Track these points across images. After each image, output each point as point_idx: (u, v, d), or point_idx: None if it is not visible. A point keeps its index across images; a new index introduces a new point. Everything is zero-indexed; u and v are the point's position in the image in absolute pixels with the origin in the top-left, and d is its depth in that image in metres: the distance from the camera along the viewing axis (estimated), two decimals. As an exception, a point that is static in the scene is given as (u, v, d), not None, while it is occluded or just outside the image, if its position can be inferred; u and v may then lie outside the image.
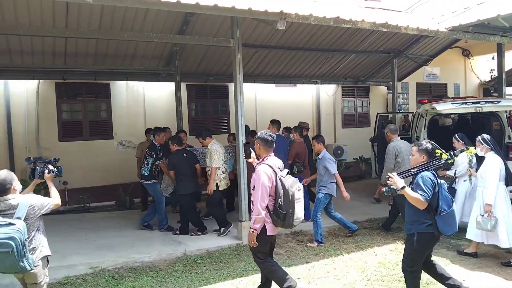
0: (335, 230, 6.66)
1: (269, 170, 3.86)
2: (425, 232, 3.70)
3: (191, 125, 10.52)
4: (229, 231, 6.43)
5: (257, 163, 4.02)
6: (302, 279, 4.82)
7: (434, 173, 3.74)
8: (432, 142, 3.94)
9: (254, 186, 3.90)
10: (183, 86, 9.75)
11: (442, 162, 3.76)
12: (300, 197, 3.86)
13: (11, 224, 3.19)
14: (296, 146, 7.12)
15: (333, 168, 6.09)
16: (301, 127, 7.63)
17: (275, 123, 7.23)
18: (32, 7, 6.40)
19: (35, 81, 8.98)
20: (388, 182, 3.73)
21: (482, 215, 4.90)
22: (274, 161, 3.99)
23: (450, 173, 5.94)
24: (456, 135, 5.97)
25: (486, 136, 5.18)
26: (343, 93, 13.05)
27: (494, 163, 4.97)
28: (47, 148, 9.01)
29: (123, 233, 6.51)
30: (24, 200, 3.34)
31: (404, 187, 3.64)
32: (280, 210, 3.78)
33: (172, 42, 8.28)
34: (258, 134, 4.10)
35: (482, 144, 5.13)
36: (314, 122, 12.22)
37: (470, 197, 5.69)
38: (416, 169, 3.77)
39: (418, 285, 3.88)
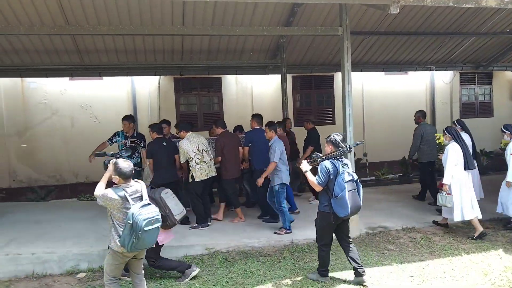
0: (455, 228, 6.19)
1: None
2: (323, 211, 4.39)
3: (296, 116, 10.63)
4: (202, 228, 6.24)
5: None
6: (415, 277, 4.59)
7: (334, 162, 4.32)
8: (339, 133, 4.54)
9: None
10: (288, 77, 9.86)
11: (338, 153, 4.35)
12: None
13: (149, 204, 3.71)
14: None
15: (273, 156, 6.02)
16: (285, 123, 7.81)
17: (256, 117, 6.95)
18: (154, 9, 7.02)
19: (157, 77, 9.89)
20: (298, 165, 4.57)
21: (441, 193, 5.83)
22: None
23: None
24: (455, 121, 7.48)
25: (450, 127, 6.23)
26: (462, 80, 11.95)
27: (451, 150, 5.86)
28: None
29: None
30: (142, 184, 3.83)
31: (306, 171, 4.42)
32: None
33: (280, 34, 8.41)
34: None
35: (445, 134, 6.06)
36: (428, 112, 11.38)
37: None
38: (321, 158, 4.40)
39: (327, 258, 4.55)
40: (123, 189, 3.69)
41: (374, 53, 10.15)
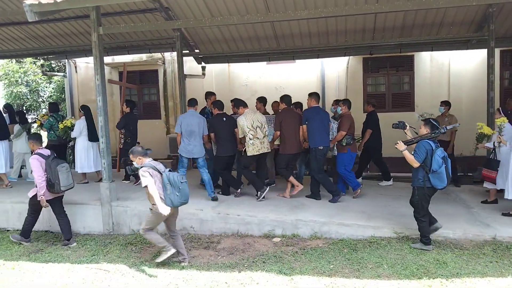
0: None
1: None
2: (420, 185, 4.94)
3: (503, 96, 9.24)
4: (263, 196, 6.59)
5: None
6: None
7: (429, 141, 4.88)
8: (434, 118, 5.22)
9: None
10: (496, 52, 8.58)
11: (434, 135, 4.91)
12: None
13: (170, 170, 4.92)
14: (347, 118, 6.83)
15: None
16: (349, 100, 7.24)
17: (313, 95, 6.84)
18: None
19: (345, 58, 9.96)
20: (395, 146, 5.07)
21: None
22: None
23: (489, 145, 6.20)
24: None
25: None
26: None
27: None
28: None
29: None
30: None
31: (403, 150, 4.99)
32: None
33: (489, 3, 7.35)
34: None
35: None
36: None
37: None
38: (417, 139, 5.03)
39: (427, 228, 5.03)
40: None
41: None
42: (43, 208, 5.80)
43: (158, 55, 11.18)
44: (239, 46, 9.52)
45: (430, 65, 9.84)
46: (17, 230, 6.33)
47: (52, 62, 14.52)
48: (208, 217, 6.03)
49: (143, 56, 11.25)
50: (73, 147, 8.68)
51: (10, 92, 16.62)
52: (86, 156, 8.06)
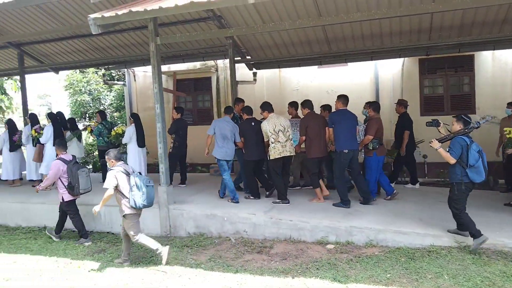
0: None
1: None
2: (459, 181, 4.99)
3: None
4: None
5: None
6: None
7: (463, 137, 4.96)
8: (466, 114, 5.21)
9: None
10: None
11: (468, 130, 5.01)
12: None
13: (139, 173, 5.42)
14: (375, 122, 6.73)
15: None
16: (377, 103, 7.13)
17: (341, 98, 6.71)
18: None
19: (400, 59, 9.66)
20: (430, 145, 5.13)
21: None
22: None
23: None
24: None
25: None
26: None
27: None
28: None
29: (485, 213, 6.14)
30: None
31: (438, 148, 5.04)
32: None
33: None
34: None
35: None
36: None
37: None
38: (450, 136, 5.12)
39: (471, 220, 4.97)
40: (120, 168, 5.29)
41: None
42: (104, 211, 6.17)
43: (211, 62, 11.47)
44: (290, 51, 9.54)
45: (492, 65, 9.31)
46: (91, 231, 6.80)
47: (112, 71, 15.34)
48: (261, 222, 6.08)
49: (197, 64, 11.60)
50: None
51: (74, 100, 17.77)
52: (135, 161, 8.37)
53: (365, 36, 8.62)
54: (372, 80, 10.08)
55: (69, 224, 6.67)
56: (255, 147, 7.00)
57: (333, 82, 10.25)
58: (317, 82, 10.43)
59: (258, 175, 7.23)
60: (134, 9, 5.57)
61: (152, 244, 5.26)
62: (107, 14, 5.68)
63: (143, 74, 12.62)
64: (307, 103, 7.01)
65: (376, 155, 6.73)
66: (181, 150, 8.43)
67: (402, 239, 5.34)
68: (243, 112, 7.22)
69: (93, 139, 10.48)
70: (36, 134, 8.75)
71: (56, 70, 12.18)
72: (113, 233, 6.86)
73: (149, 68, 11.91)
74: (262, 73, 10.78)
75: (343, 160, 6.46)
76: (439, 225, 5.57)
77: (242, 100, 8.15)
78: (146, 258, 5.64)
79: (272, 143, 6.68)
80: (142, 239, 5.27)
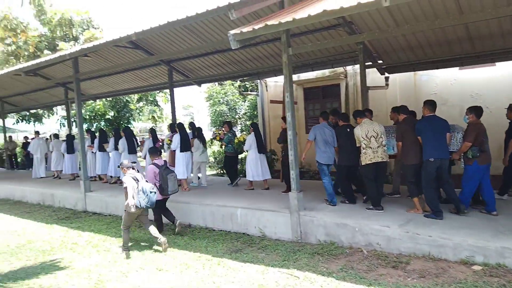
0: None
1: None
2: None
3: None
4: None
5: None
6: None
7: None
8: None
9: None
10: None
11: None
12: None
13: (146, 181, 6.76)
14: (473, 128, 6.18)
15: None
16: (480, 108, 6.38)
17: (428, 104, 6.43)
18: None
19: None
20: None
21: None
22: None
23: None
24: None
25: None
26: None
27: None
28: None
29: None
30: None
31: None
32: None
33: None
34: None
35: None
36: None
37: None
38: None
39: None
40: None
41: None
42: (240, 213, 6.62)
43: (340, 69, 11.40)
44: (426, 53, 8.92)
45: None
46: (221, 230, 7.37)
47: (247, 82, 16.35)
48: (396, 235, 5.78)
49: (326, 72, 11.63)
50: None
51: (214, 110, 19.44)
52: (255, 166, 9.10)
53: (518, 31, 7.60)
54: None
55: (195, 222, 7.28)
56: (348, 152, 7.22)
57: (478, 85, 9.25)
58: (459, 85, 9.53)
59: (352, 180, 7.48)
60: (269, 22, 5.85)
61: (126, 241, 6.61)
62: (245, 29, 6.08)
63: (274, 84, 13.16)
64: (403, 109, 6.93)
65: (477, 164, 6.19)
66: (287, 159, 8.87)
67: None
68: (339, 118, 7.59)
69: (219, 146, 12.06)
70: (169, 141, 10.00)
71: (199, 83, 13.48)
72: (248, 234, 7.28)
73: (279, 78, 12.39)
74: (395, 77, 10.30)
75: (430, 169, 6.16)
76: None
77: (338, 112, 8.32)
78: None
79: (364, 148, 6.79)
80: (125, 233, 6.62)
